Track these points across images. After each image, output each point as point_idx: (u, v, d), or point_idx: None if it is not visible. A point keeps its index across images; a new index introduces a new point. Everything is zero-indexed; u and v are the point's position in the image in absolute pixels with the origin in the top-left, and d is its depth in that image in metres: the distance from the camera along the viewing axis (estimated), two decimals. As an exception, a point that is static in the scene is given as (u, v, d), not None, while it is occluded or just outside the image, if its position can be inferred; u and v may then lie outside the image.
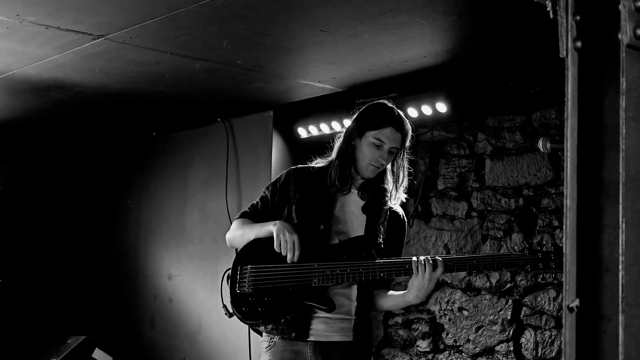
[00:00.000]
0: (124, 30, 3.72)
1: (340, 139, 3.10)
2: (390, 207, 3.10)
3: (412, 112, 4.72)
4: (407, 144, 3.07)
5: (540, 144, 3.03)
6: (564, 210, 1.61)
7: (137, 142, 6.57)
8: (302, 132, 5.37)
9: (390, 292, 3.04)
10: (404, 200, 3.15)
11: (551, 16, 1.52)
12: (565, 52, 1.59)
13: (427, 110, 4.66)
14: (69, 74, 4.57)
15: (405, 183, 3.12)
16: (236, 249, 3.06)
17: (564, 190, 1.62)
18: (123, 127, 6.35)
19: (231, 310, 2.96)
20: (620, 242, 1.52)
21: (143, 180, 6.51)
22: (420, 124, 5.01)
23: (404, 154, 3.08)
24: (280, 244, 2.88)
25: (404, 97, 4.66)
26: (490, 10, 3.45)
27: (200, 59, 4.23)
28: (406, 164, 3.11)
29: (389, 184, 3.08)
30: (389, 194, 3.07)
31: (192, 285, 5.93)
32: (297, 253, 2.86)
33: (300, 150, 5.38)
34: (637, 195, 1.56)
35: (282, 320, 2.93)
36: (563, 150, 3.07)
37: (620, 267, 1.52)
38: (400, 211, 3.14)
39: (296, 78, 4.60)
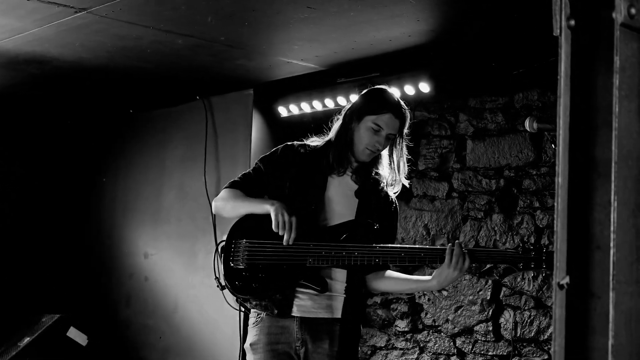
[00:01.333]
0: (107, 3, 3.67)
1: (339, 121, 3.10)
2: (385, 193, 3.09)
3: (395, 92, 4.70)
4: (406, 130, 3.08)
5: (526, 124, 3.03)
6: (556, 188, 1.62)
7: (113, 119, 6.50)
8: (282, 111, 5.35)
9: (397, 275, 3.05)
10: (407, 186, 3.16)
11: (544, -5, 1.51)
12: (558, 31, 1.59)
13: (409, 90, 4.65)
14: (48, 48, 4.51)
15: (405, 169, 3.12)
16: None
17: (556, 168, 1.63)
18: (99, 105, 6.27)
19: (223, 283, 2.96)
20: (611, 220, 1.52)
21: (119, 159, 6.45)
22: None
23: (402, 140, 3.08)
24: (278, 224, 2.87)
25: (386, 77, 4.65)
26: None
27: (184, 35, 4.19)
28: (405, 151, 3.11)
29: (384, 170, 3.09)
30: (384, 180, 3.07)
31: (169, 264, 5.90)
32: (294, 235, 2.86)
33: (280, 129, 5.36)
34: (629, 174, 1.56)
35: (267, 298, 2.93)
36: (550, 130, 3.09)
37: (611, 244, 1.52)
38: (392, 196, 3.13)
39: (278, 55, 4.57)
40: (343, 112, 3.11)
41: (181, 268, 5.79)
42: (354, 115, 3.02)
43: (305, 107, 5.14)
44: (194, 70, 5.03)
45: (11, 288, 6.50)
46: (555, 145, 3.03)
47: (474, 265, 4.59)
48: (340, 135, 3.04)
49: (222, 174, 5.52)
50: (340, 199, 3.03)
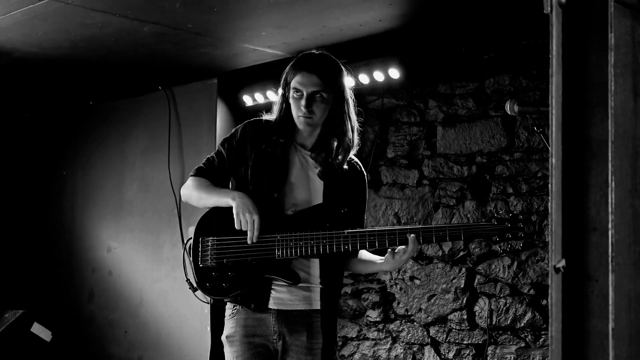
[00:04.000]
0: (73, -11, 3.60)
1: (278, 99, 3.00)
2: (350, 165, 3.00)
3: (364, 78, 4.68)
4: (345, 87, 2.93)
5: (507, 107, 3.01)
6: (549, 169, 1.58)
7: (72, 111, 6.41)
8: (247, 100, 5.29)
9: (365, 257, 2.97)
10: (357, 144, 3.00)
11: (534, -28, 1.48)
12: (549, 8, 1.55)
13: (379, 76, 4.61)
14: (10, 37, 4.43)
15: (354, 124, 2.97)
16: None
17: (550, 149, 1.59)
18: (58, 97, 6.19)
19: (195, 285, 2.90)
20: (609, 200, 1.49)
21: (79, 151, 6.36)
22: (371, 91, 4.97)
23: (340, 98, 2.92)
24: (240, 223, 2.82)
25: (356, 63, 4.61)
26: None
27: (150, 22, 4.12)
28: (349, 108, 2.95)
29: (335, 141, 2.95)
30: (339, 151, 2.93)
31: (133, 257, 5.83)
32: (256, 234, 2.81)
33: (245, 118, 5.28)
34: (625, 153, 1.53)
35: (240, 296, 2.88)
36: (531, 113, 3.06)
37: (609, 226, 1.49)
38: (358, 163, 3.04)
39: (245, 43, 4.51)
40: (279, 89, 3.02)
41: (146, 261, 5.72)
42: (283, 88, 2.94)
43: (271, 96, 5.08)
44: (157, 59, 4.96)
45: (-29, 285, 6.38)
46: (537, 129, 3.01)
47: (446, 245, 4.57)
48: (281, 112, 2.95)
49: (187, 165, 5.46)
50: (305, 183, 2.94)
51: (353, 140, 2.98)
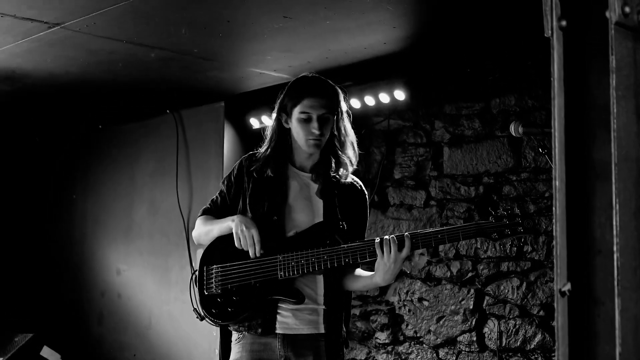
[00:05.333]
0: (81, 18, 3.63)
1: (273, 124, 3.03)
2: (347, 181, 3.02)
3: (370, 100, 4.69)
4: (342, 105, 2.98)
5: (511, 128, 3.01)
6: (553, 192, 1.57)
7: (82, 135, 6.45)
8: (254, 123, 5.31)
9: (358, 273, 2.97)
10: (356, 159, 3.03)
11: (534, -5, 1.48)
12: (550, 32, 1.55)
13: (384, 98, 4.62)
14: (21, 63, 4.47)
15: (353, 140, 3.02)
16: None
17: (553, 172, 1.59)
18: (68, 121, 6.23)
19: (202, 314, 2.90)
20: (614, 223, 1.48)
21: (89, 175, 6.39)
22: (377, 113, 4.97)
23: (340, 116, 2.98)
24: (240, 241, 2.84)
25: (361, 85, 4.63)
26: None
27: (157, 48, 4.15)
28: (347, 124, 3.00)
29: (337, 155, 2.99)
30: (340, 169, 2.98)
31: (142, 280, 5.84)
32: (258, 247, 2.83)
33: (252, 141, 5.25)
34: (629, 175, 1.52)
35: (246, 320, 2.88)
36: (536, 134, 3.06)
37: (614, 249, 1.48)
38: (358, 182, 3.07)
39: (251, 67, 4.53)
40: (273, 115, 3.04)
41: (154, 284, 5.73)
42: (283, 113, 2.96)
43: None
44: (165, 83, 4.99)
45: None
46: (542, 150, 3.02)
47: (447, 244, 4.51)
48: (279, 138, 2.98)
49: (195, 188, 5.48)
50: (303, 204, 2.96)
51: (355, 152, 3.02)
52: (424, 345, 4.78)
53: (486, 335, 4.53)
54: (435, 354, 4.73)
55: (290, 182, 2.98)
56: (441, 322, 4.71)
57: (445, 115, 4.80)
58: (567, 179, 1.55)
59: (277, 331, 2.86)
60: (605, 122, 1.56)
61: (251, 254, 2.83)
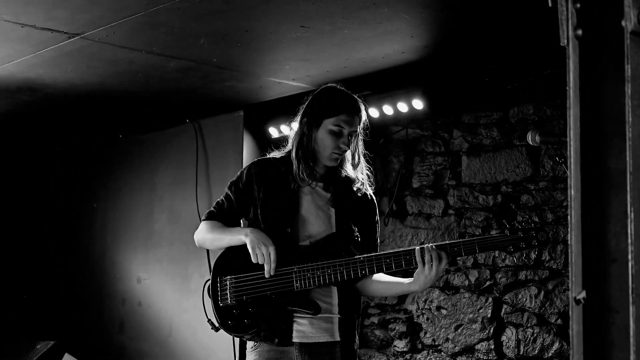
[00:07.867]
0: (100, 28, 3.66)
1: (296, 130, 3.02)
2: (363, 193, 3.03)
3: (388, 109, 4.69)
4: (362, 125, 3.00)
5: (529, 137, 3.01)
6: (569, 200, 1.58)
7: (102, 145, 6.48)
8: (273, 132, 5.32)
9: (383, 278, 2.95)
10: (370, 179, 3.08)
11: (550, 4, 1.49)
12: (565, 41, 1.56)
13: (402, 107, 4.63)
14: (41, 74, 4.49)
15: (364, 163, 3.06)
16: (207, 251, 2.99)
17: (568, 181, 1.59)
18: (88, 130, 6.26)
19: (217, 325, 2.91)
20: (629, 232, 1.49)
21: (109, 184, 6.43)
22: (395, 122, 4.98)
23: (358, 135, 3.00)
24: (257, 257, 2.84)
25: (379, 94, 4.63)
26: (472, 3, 3.42)
27: (175, 58, 4.17)
28: (361, 145, 3.03)
29: (350, 171, 3.02)
30: (358, 180, 3.01)
31: (162, 288, 5.86)
32: (273, 266, 2.82)
33: (271, 149, 5.33)
34: (644, 184, 1.52)
35: (262, 331, 2.88)
36: (553, 143, 3.06)
37: (629, 257, 1.49)
38: (369, 191, 3.07)
39: (270, 76, 4.55)
40: (298, 120, 3.02)
41: (174, 292, 5.75)
42: (312, 121, 2.95)
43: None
44: (184, 92, 5.01)
45: (4, 315, 6.44)
46: (558, 159, 3.02)
47: (460, 258, 4.52)
48: (301, 146, 2.95)
49: (214, 197, 5.50)
50: (316, 214, 2.95)
51: (362, 168, 3.05)
52: (442, 353, 4.77)
53: (504, 344, 4.52)
54: (453, 363, 4.73)
55: (301, 190, 2.97)
56: (459, 331, 4.70)
57: (464, 124, 4.80)
58: (582, 188, 1.55)
59: (294, 340, 2.87)
60: (620, 131, 1.57)
61: (266, 270, 2.83)
